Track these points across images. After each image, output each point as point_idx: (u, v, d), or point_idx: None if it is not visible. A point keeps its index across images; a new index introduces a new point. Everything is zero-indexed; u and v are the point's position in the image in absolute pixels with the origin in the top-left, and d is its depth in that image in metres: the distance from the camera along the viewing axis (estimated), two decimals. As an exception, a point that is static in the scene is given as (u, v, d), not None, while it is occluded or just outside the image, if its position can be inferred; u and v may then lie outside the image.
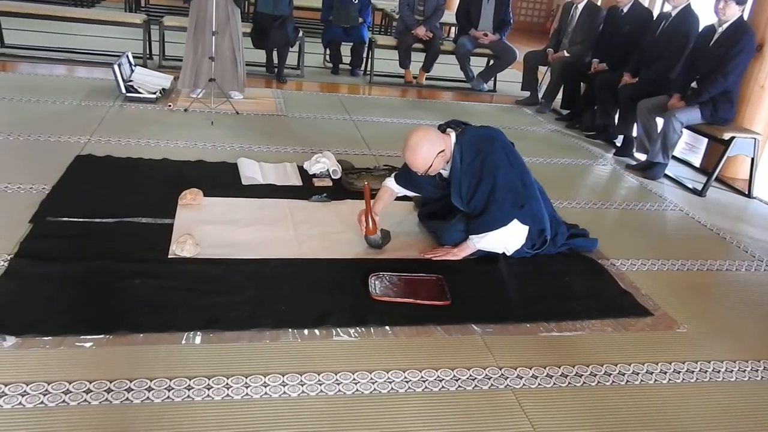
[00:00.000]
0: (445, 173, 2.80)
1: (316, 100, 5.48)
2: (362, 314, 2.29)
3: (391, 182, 2.95)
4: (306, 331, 2.17)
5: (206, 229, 2.79)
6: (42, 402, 1.74)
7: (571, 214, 3.43)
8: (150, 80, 4.95)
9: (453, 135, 2.72)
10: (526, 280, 2.67)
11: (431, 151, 2.60)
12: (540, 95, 6.12)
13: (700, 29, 4.50)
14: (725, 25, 4.12)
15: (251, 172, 3.48)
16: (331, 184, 3.51)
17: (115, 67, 4.70)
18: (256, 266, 2.54)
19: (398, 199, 3.06)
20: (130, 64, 5.05)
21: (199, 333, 2.09)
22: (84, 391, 1.79)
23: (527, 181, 2.74)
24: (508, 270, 2.71)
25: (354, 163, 3.82)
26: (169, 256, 2.54)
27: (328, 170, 3.59)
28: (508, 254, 2.79)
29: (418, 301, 2.40)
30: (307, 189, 3.41)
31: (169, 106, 4.68)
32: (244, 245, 2.71)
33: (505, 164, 2.68)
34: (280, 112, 4.94)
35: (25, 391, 1.77)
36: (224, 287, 2.36)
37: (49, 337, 1.98)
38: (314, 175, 3.58)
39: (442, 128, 2.78)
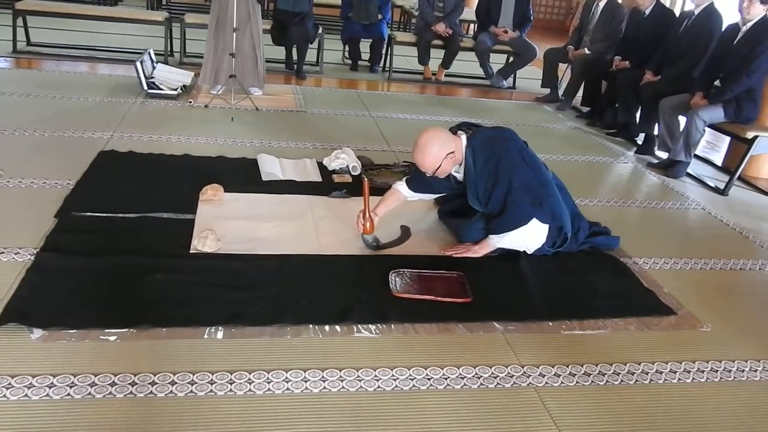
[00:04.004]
0: (459, 176, 2.78)
1: (335, 97, 5.48)
2: (383, 311, 2.28)
3: (401, 186, 2.89)
4: (327, 327, 2.17)
5: (227, 225, 2.80)
6: (68, 394, 1.76)
7: (592, 212, 3.39)
8: (171, 77, 4.98)
9: (464, 137, 2.69)
10: (548, 278, 2.65)
11: (441, 152, 2.58)
12: (560, 93, 6.07)
13: (723, 28, 4.43)
14: (749, 24, 4.05)
15: (271, 167, 3.49)
16: (350, 180, 3.50)
17: (137, 64, 4.73)
18: (277, 262, 2.54)
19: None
20: (152, 61, 5.08)
21: (221, 328, 2.10)
22: (109, 384, 1.81)
23: (544, 179, 2.72)
24: (530, 267, 2.69)
25: (373, 159, 3.81)
26: (191, 252, 2.55)
27: (347, 166, 3.58)
28: (529, 252, 2.77)
29: (439, 299, 2.39)
30: (326, 185, 3.41)
31: (190, 102, 4.70)
32: (264, 241, 2.72)
33: (520, 164, 2.65)
34: (300, 108, 4.94)
35: (51, 383, 1.79)
36: (246, 283, 2.36)
37: (75, 331, 2.00)
38: (334, 171, 3.58)
39: (453, 130, 2.75)
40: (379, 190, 3.01)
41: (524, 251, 2.77)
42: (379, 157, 3.93)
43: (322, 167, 3.63)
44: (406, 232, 2.92)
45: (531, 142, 2.88)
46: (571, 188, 3.02)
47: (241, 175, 3.39)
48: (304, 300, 2.30)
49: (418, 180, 2.84)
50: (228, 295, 2.26)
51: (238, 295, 2.28)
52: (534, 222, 2.64)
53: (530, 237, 2.70)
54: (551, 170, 2.91)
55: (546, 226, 2.69)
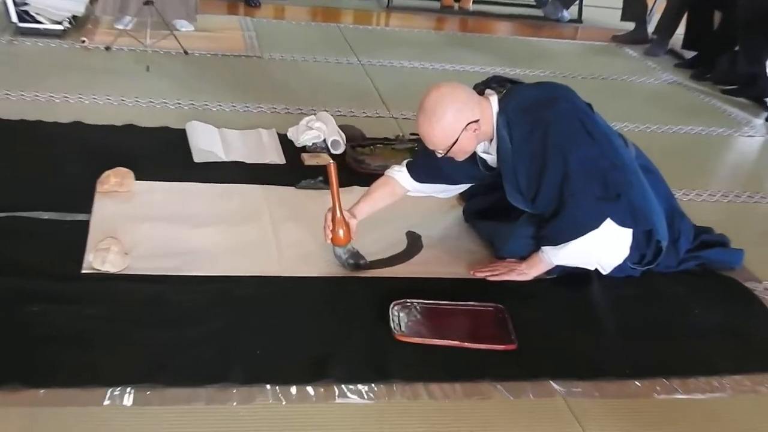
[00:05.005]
0: (490, 158, 2.78)
1: (305, 34, 5.50)
2: (380, 363, 2.27)
3: (399, 172, 2.89)
4: (294, 389, 2.15)
5: (140, 231, 2.80)
6: None
7: (699, 211, 3.40)
8: (54, 3, 4.96)
9: (494, 99, 2.68)
10: (632, 313, 2.66)
11: (457, 121, 2.56)
12: (651, 29, 6.08)
13: None
14: None
15: (208, 143, 3.49)
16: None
17: (2, -18, 4.74)
18: (216, 287, 2.54)
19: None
20: (25, -21, 5.07)
21: (130, 389, 2.08)
22: (-44, 477, 1.80)
23: (619, 159, 2.69)
24: (605, 296, 2.70)
25: (365, 130, 3.83)
26: (84, 271, 2.55)
27: (324, 141, 3.59)
28: (604, 273, 2.77)
29: (467, 345, 2.38)
30: (293, 169, 3.42)
31: (83, 42, 4.71)
32: (197, 255, 2.71)
33: (581, 136, 2.64)
34: (251, 51, 4.97)
35: None
36: (169, 319, 2.36)
37: None
38: (304, 149, 3.59)
39: (480, 89, 2.74)
40: (373, 178, 3.00)
41: (596, 271, 2.78)
42: (373, 126, 3.94)
43: (286, 142, 3.64)
44: (414, 243, 2.92)
45: (603, 105, 2.89)
46: (667, 174, 3.03)
47: (162, 155, 3.40)
48: (257, 346, 2.29)
49: (425, 163, 2.84)
50: (141, 339, 2.25)
51: (157, 338, 2.26)
52: (608, 224, 2.62)
53: (604, 248, 2.69)
54: (633, 146, 2.91)
55: (628, 231, 2.67)
